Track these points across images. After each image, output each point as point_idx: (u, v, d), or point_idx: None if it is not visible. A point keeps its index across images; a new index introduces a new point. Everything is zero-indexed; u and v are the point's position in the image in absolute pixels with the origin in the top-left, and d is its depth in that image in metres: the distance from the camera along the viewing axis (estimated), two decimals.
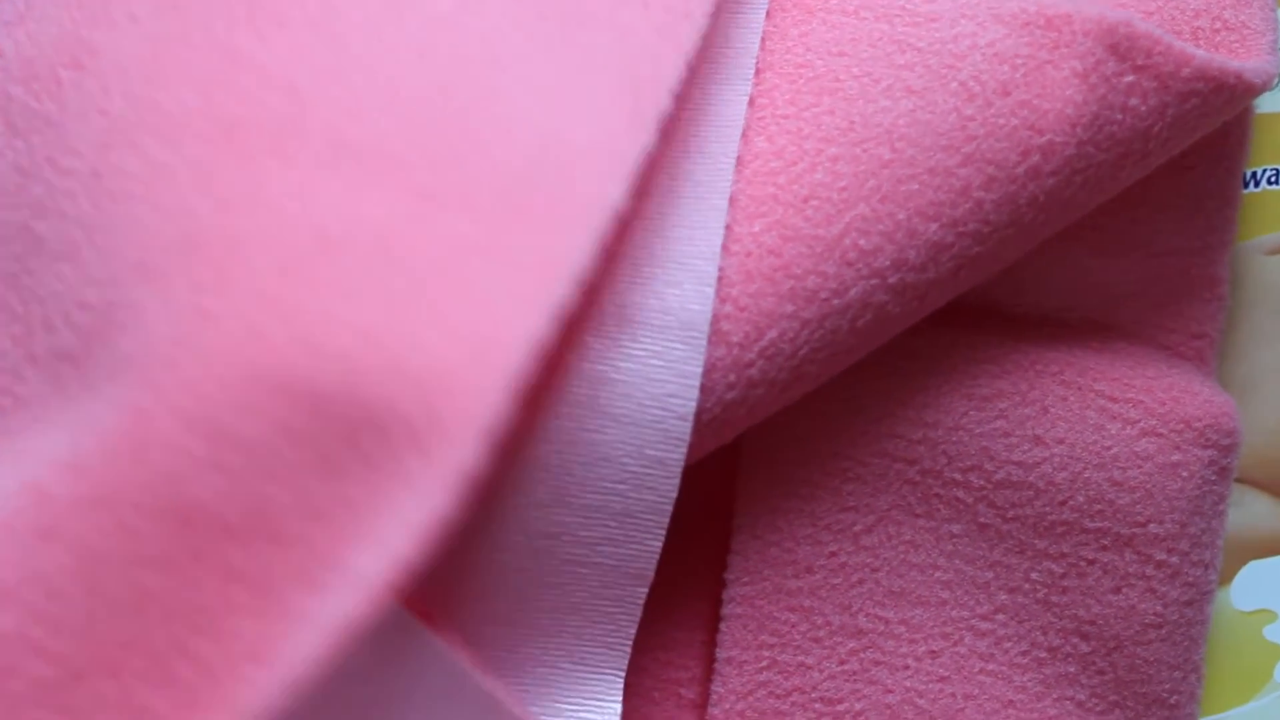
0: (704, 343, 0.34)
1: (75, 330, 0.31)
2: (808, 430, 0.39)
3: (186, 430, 0.29)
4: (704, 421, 0.34)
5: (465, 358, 0.28)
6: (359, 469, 0.29)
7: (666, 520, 0.34)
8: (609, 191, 0.31)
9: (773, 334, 0.34)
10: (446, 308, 0.29)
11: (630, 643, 0.35)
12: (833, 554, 0.40)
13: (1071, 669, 0.40)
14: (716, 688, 0.39)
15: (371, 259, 0.29)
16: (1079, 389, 0.40)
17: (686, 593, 0.41)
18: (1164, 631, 0.39)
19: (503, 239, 0.30)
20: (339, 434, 0.29)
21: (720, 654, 0.39)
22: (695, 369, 0.33)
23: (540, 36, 0.33)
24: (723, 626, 0.39)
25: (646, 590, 0.35)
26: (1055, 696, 0.40)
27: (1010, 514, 0.40)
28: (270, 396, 0.28)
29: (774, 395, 0.35)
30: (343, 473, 0.29)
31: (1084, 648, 0.40)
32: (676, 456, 0.34)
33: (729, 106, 0.36)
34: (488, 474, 0.30)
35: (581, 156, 0.31)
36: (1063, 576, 0.40)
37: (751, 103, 0.36)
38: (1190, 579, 0.40)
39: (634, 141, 0.32)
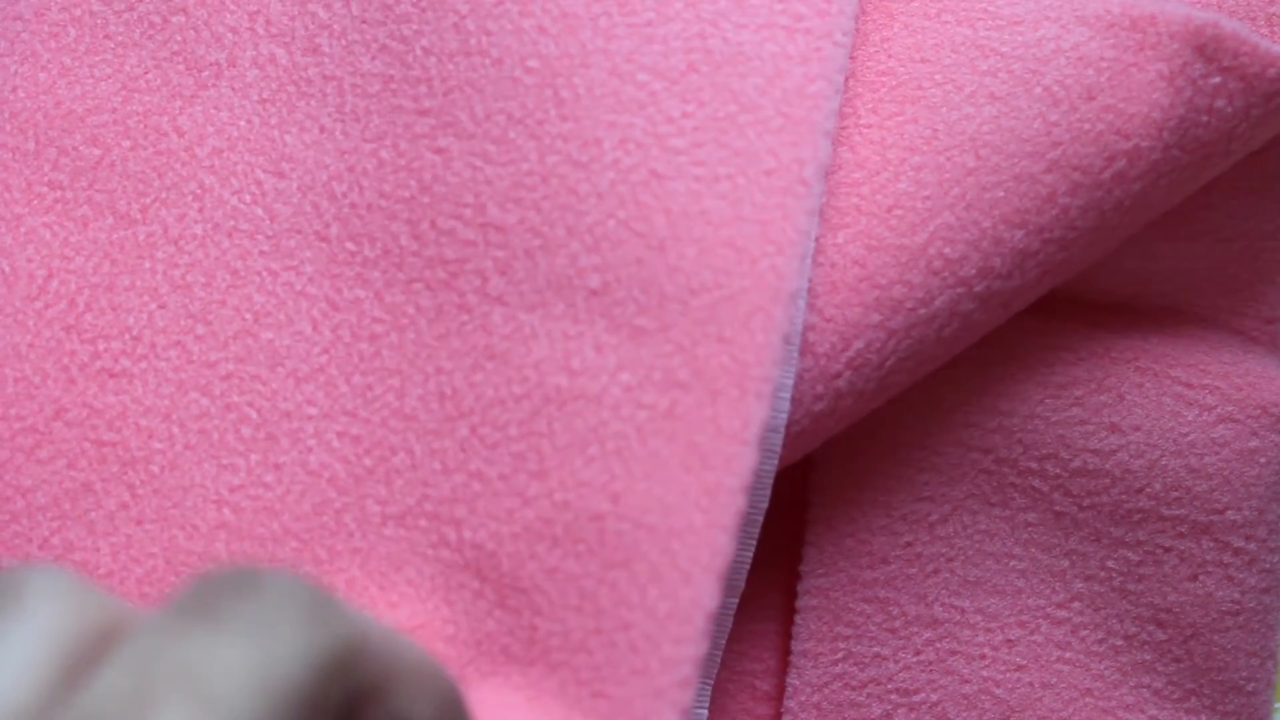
0: (795, 355, 0.34)
1: None
2: (881, 421, 0.40)
3: (475, 577, 0.33)
4: (793, 434, 0.35)
5: (694, 507, 0.32)
6: (612, 606, 0.32)
7: (758, 531, 0.35)
8: (785, 285, 0.33)
9: (859, 344, 0.35)
10: (669, 458, 0.32)
11: (720, 652, 0.36)
12: (908, 544, 0.40)
13: (1148, 656, 0.41)
14: (792, 680, 0.40)
15: (599, 413, 0.33)
16: (1154, 375, 0.40)
17: (760, 585, 0.41)
18: (1241, 619, 0.40)
19: (702, 367, 0.33)
20: (594, 576, 0.32)
21: (795, 646, 0.40)
22: (787, 382, 0.34)
23: (694, 103, 0.34)
24: (797, 619, 0.40)
25: (737, 600, 0.36)
26: (1132, 684, 0.41)
27: (1086, 502, 0.40)
28: (537, 546, 0.33)
29: (861, 404, 0.36)
30: (599, 611, 0.32)
31: (1160, 635, 0.41)
32: (769, 468, 0.35)
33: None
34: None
35: (754, 258, 0.33)
36: (1139, 564, 0.41)
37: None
38: (1268, 565, 0.41)
39: (800, 219, 0.34)
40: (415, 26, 0.36)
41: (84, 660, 0.22)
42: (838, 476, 0.40)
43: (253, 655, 0.21)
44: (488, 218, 0.35)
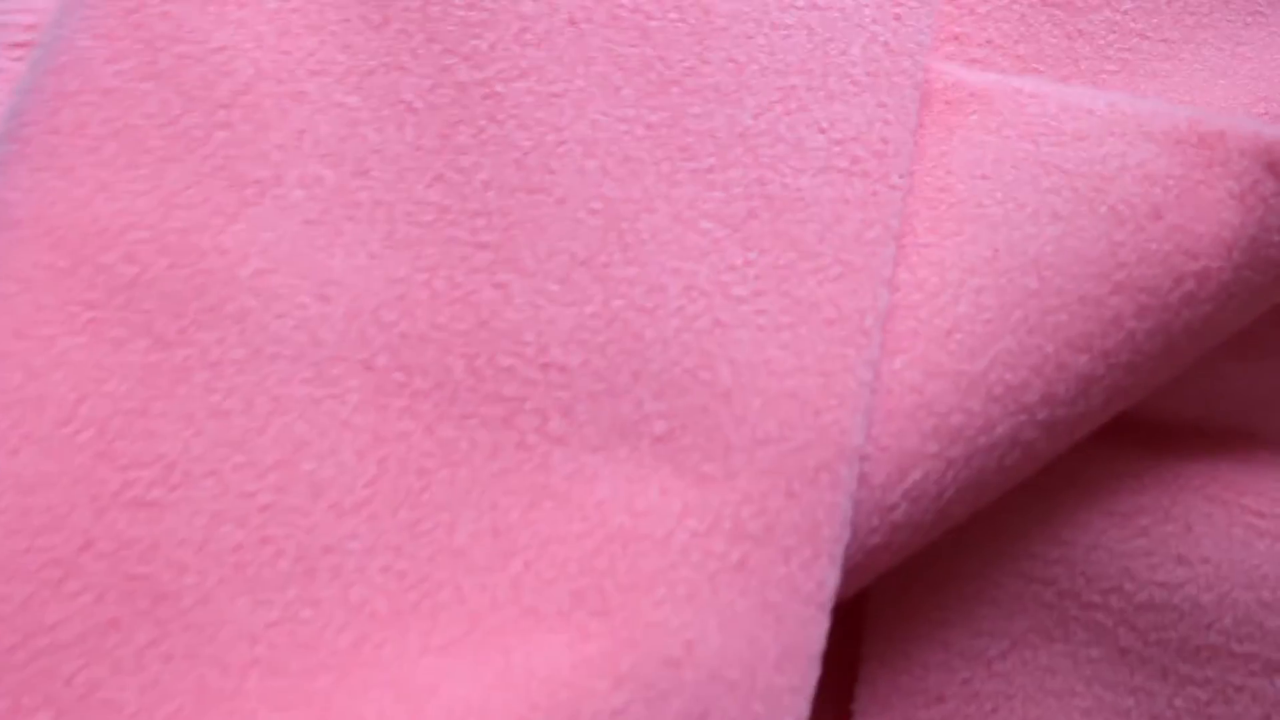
0: (851, 487, 0.33)
1: None
2: (937, 551, 0.39)
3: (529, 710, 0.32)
4: (846, 568, 0.34)
5: (774, 669, 0.32)
6: None
7: (818, 668, 0.33)
8: (849, 441, 0.33)
9: (917, 475, 0.34)
10: (744, 612, 0.32)
11: None
12: (965, 681, 0.39)
13: None
14: None
15: (667, 556, 0.33)
16: (1224, 504, 0.39)
17: None
18: None
19: (772, 521, 0.33)
20: None
21: None
22: (844, 515, 0.33)
23: (755, 251, 0.35)
24: None
25: None
26: None
27: (1153, 637, 0.39)
28: (598, 684, 0.32)
29: (918, 537, 0.35)
30: None
31: None
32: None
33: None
34: None
35: (817, 411, 0.33)
36: (1208, 703, 0.39)
37: None
38: None
39: (861, 370, 0.34)
40: (474, 159, 0.36)
41: None
42: (891, 611, 0.39)
43: None
44: (550, 358, 0.35)
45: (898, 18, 0.37)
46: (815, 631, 0.32)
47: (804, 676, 0.32)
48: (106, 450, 0.35)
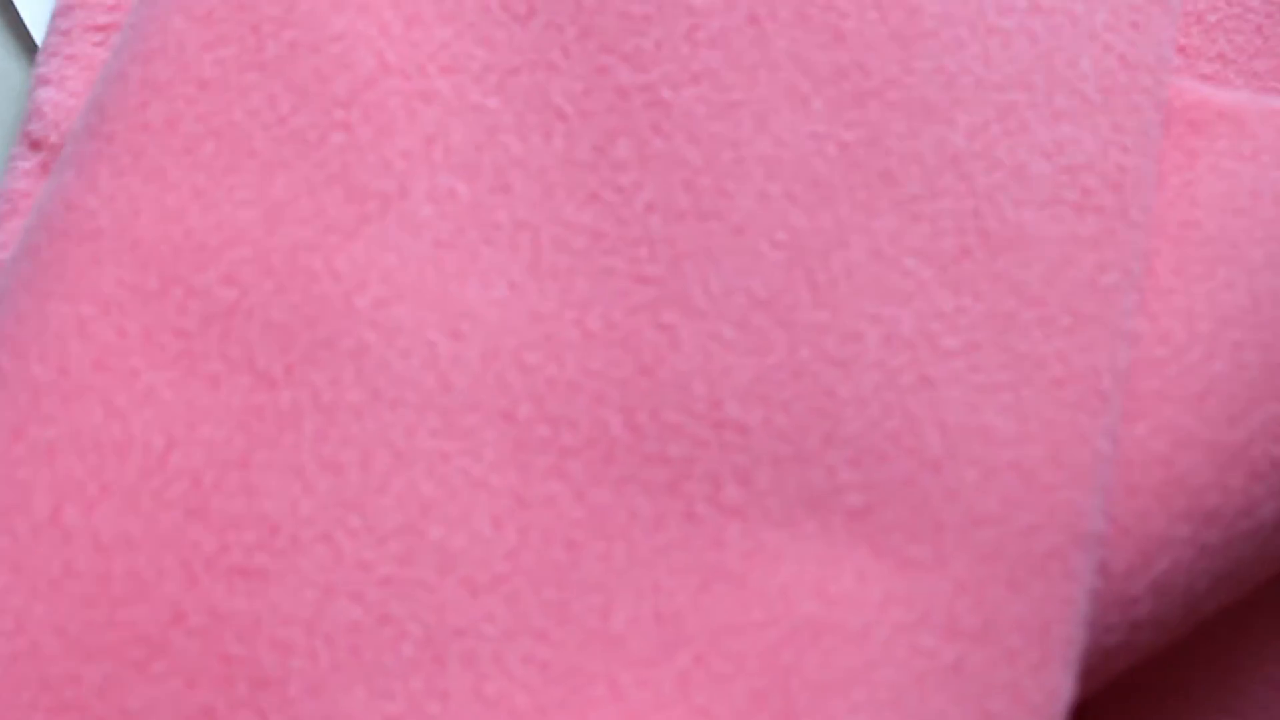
0: (1087, 578, 0.29)
1: None
2: (1168, 653, 0.34)
3: None
4: (1078, 672, 0.30)
5: None
6: None
7: None
8: (1084, 523, 0.29)
9: (1164, 564, 0.30)
10: (944, 713, 0.28)
11: None
12: None
13: None
14: None
15: (865, 652, 0.29)
16: None
17: None
18: None
19: (992, 617, 0.29)
20: None
21: None
22: (1079, 612, 0.29)
23: (968, 296, 0.31)
24: None
25: None
26: None
27: None
28: None
29: (1161, 636, 0.31)
30: None
31: None
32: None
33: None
34: None
35: (1046, 488, 0.29)
36: None
37: None
38: None
39: (1098, 439, 0.30)
40: (635, 176, 0.32)
41: None
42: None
43: None
44: (724, 414, 0.30)
45: (1135, 26, 0.32)
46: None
47: None
48: (200, 507, 0.30)
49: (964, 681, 0.28)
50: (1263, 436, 0.30)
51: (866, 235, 0.31)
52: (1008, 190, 0.31)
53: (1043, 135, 0.31)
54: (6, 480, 0.30)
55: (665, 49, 0.32)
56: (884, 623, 0.29)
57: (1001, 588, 0.29)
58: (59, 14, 0.37)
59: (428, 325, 0.31)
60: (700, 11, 0.32)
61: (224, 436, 0.30)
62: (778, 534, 0.30)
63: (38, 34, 0.37)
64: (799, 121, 0.32)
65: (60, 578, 0.29)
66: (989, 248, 0.31)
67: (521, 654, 0.29)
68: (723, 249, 0.31)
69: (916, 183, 0.31)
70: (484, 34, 0.33)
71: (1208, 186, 0.32)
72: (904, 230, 0.31)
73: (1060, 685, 0.28)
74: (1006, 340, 0.30)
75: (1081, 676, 0.30)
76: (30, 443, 0.30)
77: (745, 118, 0.32)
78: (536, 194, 0.32)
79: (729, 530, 0.30)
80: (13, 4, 0.38)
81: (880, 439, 0.30)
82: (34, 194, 0.35)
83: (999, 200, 0.31)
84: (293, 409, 0.31)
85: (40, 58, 0.36)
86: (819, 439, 0.30)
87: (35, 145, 0.36)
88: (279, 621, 0.29)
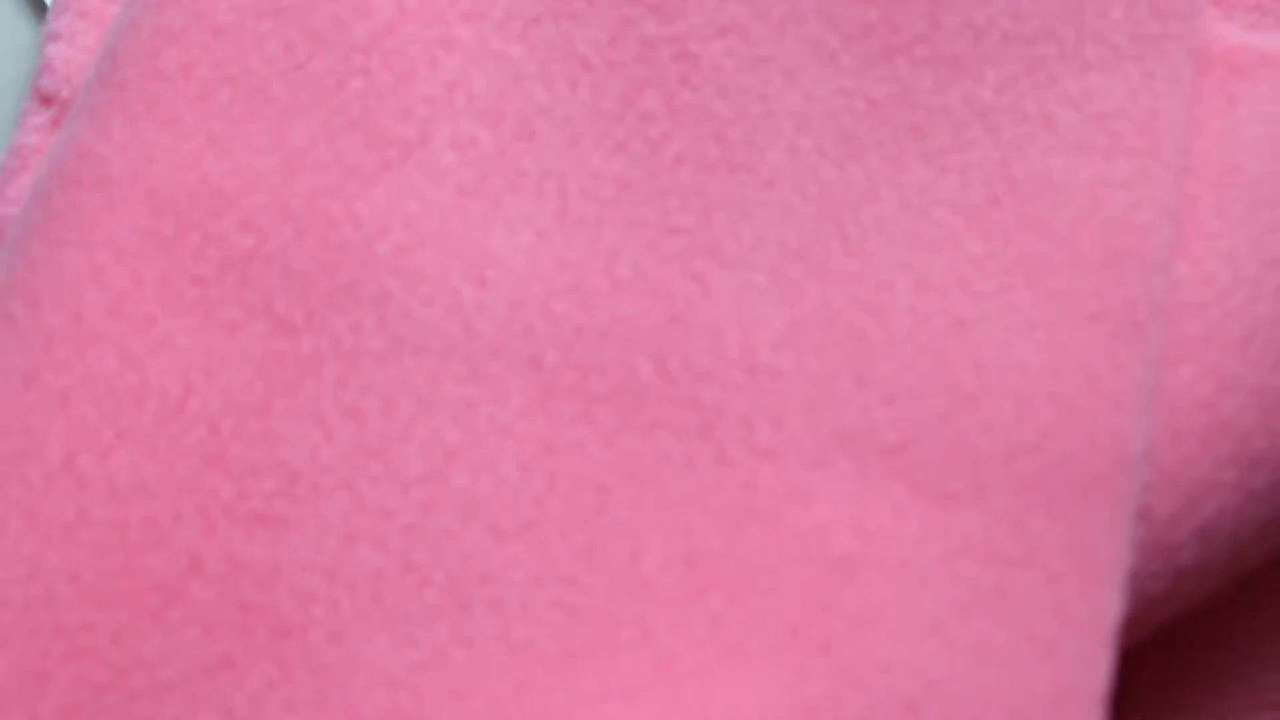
0: (1130, 505, 0.29)
1: None
2: (1212, 605, 0.34)
3: None
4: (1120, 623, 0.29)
5: (1045, 713, 0.28)
6: None
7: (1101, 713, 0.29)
8: (1126, 449, 0.29)
9: (1210, 509, 0.29)
10: (1004, 645, 0.28)
11: None
12: None
13: None
14: None
15: (903, 583, 0.29)
16: None
17: None
18: None
19: (1035, 544, 0.29)
20: None
21: None
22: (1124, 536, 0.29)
23: (999, 241, 0.31)
24: None
25: None
26: None
27: None
28: None
29: (1206, 585, 0.30)
30: None
31: None
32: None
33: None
34: None
35: (1084, 415, 0.29)
36: None
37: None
38: None
39: (1136, 368, 0.30)
40: (663, 128, 0.32)
41: None
42: (1152, 674, 0.34)
43: None
44: (757, 360, 0.30)
45: None
46: (1096, 671, 0.28)
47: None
48: (218, 454, 0.30)
49: (1007, 605, 0.28)
50: None
51: (896, 188, 0.31)
52: (1036, 140, 0.31)
53: (1071, 86, 0.31)
54: (20, 427, 0.29)
55: (692, 2, 0.32)
56: (922, 555, 0.29)
57: (1042, 515, 0.29)
58: None
59: (451, 272, 0.31)
60: None
61: (243, 383, 0.30)
62: (812, 474, 0.29)
63: None
64: (828, 77, 0.32)
65: (75, 525, 0.29)
66: (1018, 195, 0.31)
67: (549, 599, 0.29)
68: (754, 201, 0.31)
69: (945, 136, 0.31)
70: None
71: (1249, 131, 0.31)
72: (933, 182, 0.31)
73: (1108, 605, 0.28)
74: (1039, 280, 0.30)
75: (1125, 626, 0.29)
76: (44, 390, 0.30)
77: (774, 73, 0.32)
78: (562, 143, 0.31)
79: (762, 472, 0.30)
80: None
81: (914, 379, 0.30)
82: (44, 149, 0.35)
83: (1028, 150, 0.31)
84: (313, 355, 0.30)
85: (51, 14, 0.36)
86: (852, 381, 0.30)
87: (46, 100, 0.35)
88: (299, 569, 0.29)
